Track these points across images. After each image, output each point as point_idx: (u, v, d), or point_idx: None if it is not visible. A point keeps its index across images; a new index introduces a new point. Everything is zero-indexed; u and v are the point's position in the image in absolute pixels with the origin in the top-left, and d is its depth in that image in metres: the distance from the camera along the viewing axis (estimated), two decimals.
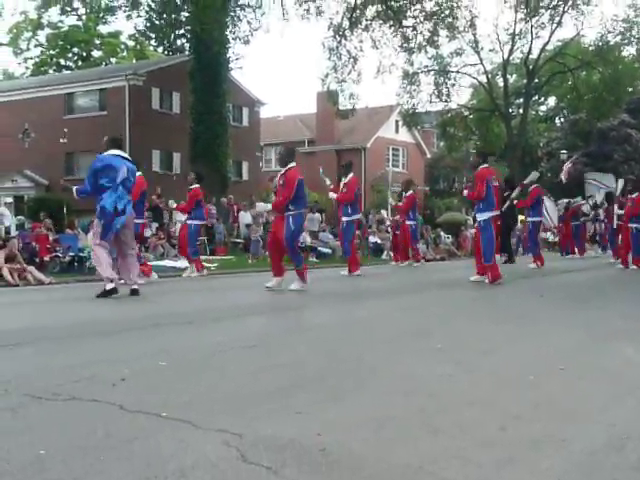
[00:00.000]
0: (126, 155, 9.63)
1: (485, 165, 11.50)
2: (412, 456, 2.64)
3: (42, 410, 3.20)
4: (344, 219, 13.73)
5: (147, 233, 18.87)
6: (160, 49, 52.29)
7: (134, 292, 9.22)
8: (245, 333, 6.08)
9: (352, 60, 32.92)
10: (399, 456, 2.65)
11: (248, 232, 22.11)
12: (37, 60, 54.33)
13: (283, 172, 10.04)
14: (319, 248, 21.50)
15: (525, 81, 40.67)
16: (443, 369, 4.32)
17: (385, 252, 23.63)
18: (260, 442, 2.73)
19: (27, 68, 54.84)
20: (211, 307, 8.20)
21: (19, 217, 20.42)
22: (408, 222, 16.66)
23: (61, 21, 53.47)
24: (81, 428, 2.92)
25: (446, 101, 38.28)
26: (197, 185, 13.46)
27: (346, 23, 31.98)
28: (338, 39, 32.41)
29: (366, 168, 43.97)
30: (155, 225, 20.26)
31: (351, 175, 13.91)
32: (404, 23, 32.92)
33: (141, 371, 4.14)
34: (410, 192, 17.00)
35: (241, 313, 7.60)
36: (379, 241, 24.53)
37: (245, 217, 23.87)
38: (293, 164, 10.05)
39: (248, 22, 29.24)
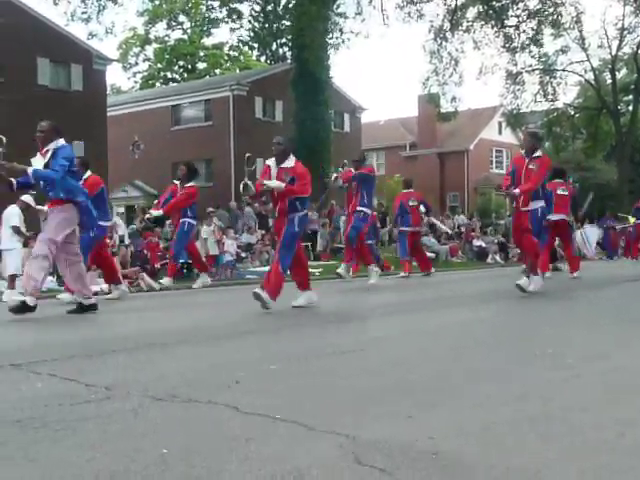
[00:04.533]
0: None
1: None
2: (526, 461, 2.60)
3: (162, 411, 3.33)
4: (363, 209, 12.72)
5: (252, 240, 19.26)
6: (263, 58, 53.28)
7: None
8: (347, 338, 6.11)
9: (453, 62, 32.71)
10: (513, 461, 2.61)
11: None
12: (145, 74, 56.23)
13: (292, 166, 8.92)
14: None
15: (635, 76, 39.26)
16: (553, 374, 4.23)
17: (490, 256, 23.33)
18: (373, 445, 2.75)
19: (136, 82, 56.87)
20: (313, 312, 8.23)
21: (131, 226, 21.13)
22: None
23: (167, 35, 55.44)
24: (200, 429, 3.02)
25: (552, 100, 37.29)
26: (193, 183, 12.25)
27: (447, 25, 31.75)
28: (439, 42, 32.23)
29: (469, 171, 43.44)
30: (261, 232, 20.67)
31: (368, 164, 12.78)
32: (506, 23, 32.41)
33: (253, 374, 4.24)
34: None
35: (340, 318, 7.68)
36: (483, 245, 24.23)
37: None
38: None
39: (340, 30, 29.41)
